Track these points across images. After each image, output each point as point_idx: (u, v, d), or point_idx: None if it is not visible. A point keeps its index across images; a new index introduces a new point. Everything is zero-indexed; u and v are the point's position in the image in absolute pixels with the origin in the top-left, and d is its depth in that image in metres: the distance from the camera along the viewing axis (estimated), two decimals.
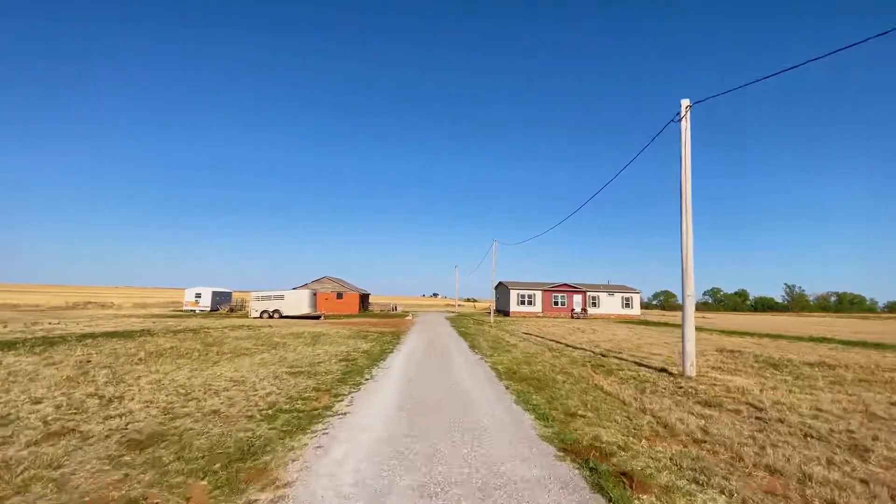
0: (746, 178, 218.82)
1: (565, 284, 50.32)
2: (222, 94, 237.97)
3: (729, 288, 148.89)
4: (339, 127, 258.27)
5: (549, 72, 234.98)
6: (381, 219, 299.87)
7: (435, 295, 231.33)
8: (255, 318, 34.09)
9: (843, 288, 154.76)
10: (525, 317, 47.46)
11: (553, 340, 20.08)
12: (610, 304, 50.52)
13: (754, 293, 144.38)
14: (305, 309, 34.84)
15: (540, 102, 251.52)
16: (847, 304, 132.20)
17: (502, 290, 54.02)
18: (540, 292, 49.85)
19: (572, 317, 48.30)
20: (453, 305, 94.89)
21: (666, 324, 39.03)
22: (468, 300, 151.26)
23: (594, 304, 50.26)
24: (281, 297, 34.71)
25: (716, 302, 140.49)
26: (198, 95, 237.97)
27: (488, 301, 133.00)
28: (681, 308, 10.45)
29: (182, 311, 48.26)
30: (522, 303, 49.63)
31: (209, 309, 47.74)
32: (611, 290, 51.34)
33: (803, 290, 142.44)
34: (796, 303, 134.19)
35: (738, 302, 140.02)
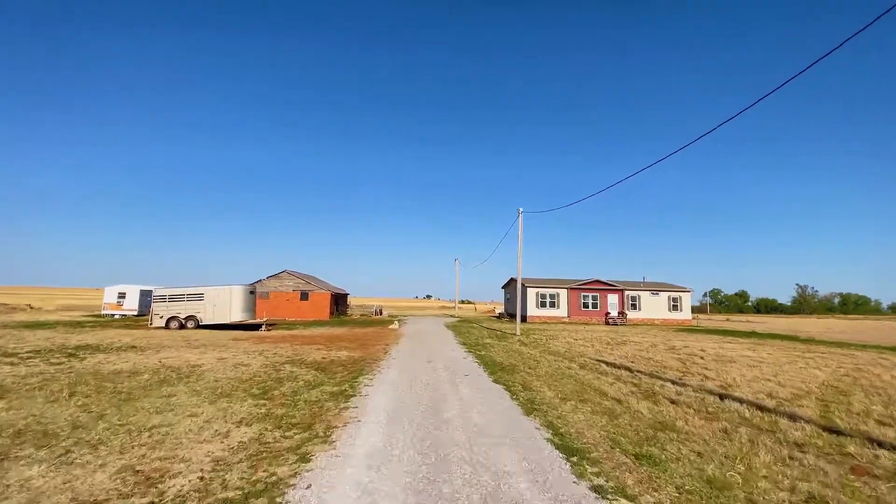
0: (743, 177, 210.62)
1: (597, 281, 39.29)
2: (208, 94, 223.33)
3: (728, 289, 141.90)
4: (325, 124, 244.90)
5: (553, 67, 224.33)
6: (372, 217, 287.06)
7: (428, 297, 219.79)
8: (157, 327, 22.44)
9: (843, 289, 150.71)
10: (547, 322, 36.33)
11: (708, 391, 8.81)
12: (654, 306, 39.55)
13: (753, 294, 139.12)
14: (238, 314, 23.24)
15: (549, 90, 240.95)
16: (852, 306, 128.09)
17: (515, 287, 42.73)
18: (565, 291, 38.73)
19: (607, 322, 37.26)
20: (450, 308, 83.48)
21: (754, 333, 28.07)
22: (465, 302, 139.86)
23: (634, 307, 39.26)
24: (199, 297, 23.08)
25: (716, 303, 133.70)
26: (185, 96, 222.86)
27: (490, 304, 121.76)
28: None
29: (100, 315, 36.63)
30: (543, 304, 38.44)
31: (136, 312, 36.06)
32: (654, 288, 40.38)
33: (816, 291, 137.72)
34: (807, 304, 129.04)
35: (739, 303, 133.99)
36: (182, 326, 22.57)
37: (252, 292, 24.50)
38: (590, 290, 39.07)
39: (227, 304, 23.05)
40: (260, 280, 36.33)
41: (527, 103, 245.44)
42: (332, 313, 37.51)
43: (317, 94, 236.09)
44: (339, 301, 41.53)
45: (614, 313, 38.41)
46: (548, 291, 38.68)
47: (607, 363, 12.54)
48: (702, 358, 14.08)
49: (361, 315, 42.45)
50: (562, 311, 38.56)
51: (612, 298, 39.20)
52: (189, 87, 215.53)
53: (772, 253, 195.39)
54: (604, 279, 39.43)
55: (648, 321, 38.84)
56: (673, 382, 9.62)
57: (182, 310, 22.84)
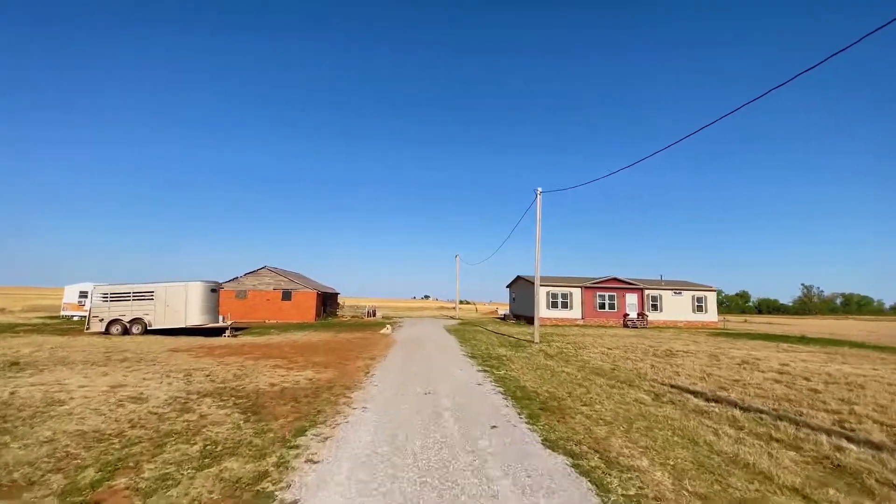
0: (742, 177, 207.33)
1: (614, 279, 35.37)
2: (208, 94, 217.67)
3: (726, 289, 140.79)
4: (325, 124, 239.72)
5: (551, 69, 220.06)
6: (370, 217, 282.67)
7: (427, 297, 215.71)
8: (96, 333, 18.42)
9: (841, 289, 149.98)
10: (558, 325, 32.34)
11: None
12: (676, 307, 35.66)
13: (753, 295, 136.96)
14: (196, 316, 19.20)
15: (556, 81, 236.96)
16: (855, 306, 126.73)
17: (523, 286, 38.89)
18: (579, 290, 34.78)
19: (625, 325, 33.35)
20: (450, 308, 79.44)
21: (805, 338, 24.12)
22: (464, 302, 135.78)
23: (655, 307, 35.35)
24: (148, 296, 19.03)
25: (717, 303, 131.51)
26: (185, 96, 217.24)
27: (490, 304, 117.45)
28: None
29: (57, 317, 32.62)
30: (554, 305, 34.49)
31: None
32: (676, 286, 36.49)
33: (821, 291, 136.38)
34: (812, 304, 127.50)
35: (741, 304, 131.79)
36: (126, 332, 18.52)
37: (214, 290, 20.42)
38: (606, 290, 35.14)
39: (181, 304, 18.99)
40: (236, 277, 32.26)
41: (527, 103, 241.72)
42: (318, 315, 33.45)
43: (317, 94, 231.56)
44: (327, 301, 37.49)
45: (633, 315, 34.45)
46: (559, 291, 34.74)
47: (688, 391, 8.58)
48: (807, 380, 10.13)
49: (352, 317, 38.40)
50: (575, 312, 34.61)
51: (631, 298, 35.29)
52: (189, 87, 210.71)
53: (769, 253, 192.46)
54: (621, 277, 35.51)
55: (671, 323, 34.97)
56: (848, 438, 5.64)
57: (126, 311, 18.77)
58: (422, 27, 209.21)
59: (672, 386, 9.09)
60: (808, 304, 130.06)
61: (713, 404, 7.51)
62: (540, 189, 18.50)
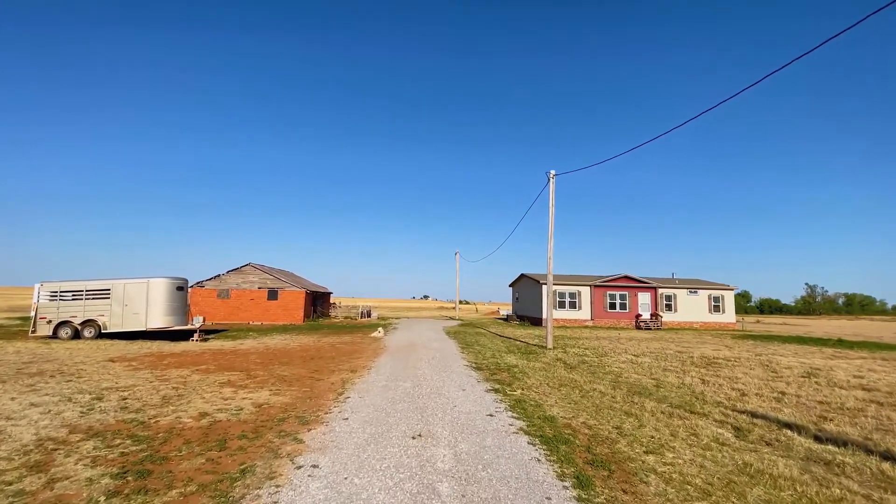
0: (741, 177, 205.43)
1: (626, 277, 33.00)
2: (207, 93, 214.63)
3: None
4: (325, 124, 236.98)
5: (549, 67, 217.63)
6: (370, 217, 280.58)
7: (426, 297, 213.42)
8: (42, 337, 16.09)
9: (838, 289, 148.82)
10: (566, 326, 29.99)
11: None
12: (692, 307, 33.30)
13: (755, 295, 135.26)
14: (158, 318, 16.83)
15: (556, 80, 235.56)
16: (857, 306, 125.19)
17: (527, 285, 36.54)
18: (587, 289, 32.41)
19: (638, 326, 31.05)
20: (449, 308, 77.08)
21: (842, 341, 21.72)
22: (463, 302, 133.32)
23: (669, 307, 33.00)
24: (104, 294, 16.66)
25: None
26: (183, 95, 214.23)
27: (490, 304, 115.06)
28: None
29: (24, 318, 30.18)
30: (562, 304, 32.12)
31: None
32: (691, 285, 34.13)
33: (825, 291, 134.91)
34: (818, 305, 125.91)
35: (742, 304, 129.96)
36: (76, 335, 16.14)
37: (181, 288, 18.00)
38: (617, 288, 32.76)
39: (142, 303, 16.61)
40: (219, 275, 29.85)
41: (526, 102, 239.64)
42: (307, 316, 31.05)
43: (315, 93, 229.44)
44: (317, 301, 35.06)
45: (646, 315, 32.12)
46: (567, 290, 32.35)
47: (777, 421, 6.23)
48: None
49: (345, 318, 35.98)
50: (584, 312, 32.24)
51: (644, 297, 32.92)
52: (185, 85, 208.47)
53: (767, 253, 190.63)
54: (633, 275, 33.15)
55: (686, 325, 32.65)
56: None
57: (78, 312, 16.39)
58: (421, 28, 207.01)
59: (750, 413, 6.74)
60: (811, 304, 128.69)
61: (832, 447, 5.15)
62: (553, 172, 16.17)
